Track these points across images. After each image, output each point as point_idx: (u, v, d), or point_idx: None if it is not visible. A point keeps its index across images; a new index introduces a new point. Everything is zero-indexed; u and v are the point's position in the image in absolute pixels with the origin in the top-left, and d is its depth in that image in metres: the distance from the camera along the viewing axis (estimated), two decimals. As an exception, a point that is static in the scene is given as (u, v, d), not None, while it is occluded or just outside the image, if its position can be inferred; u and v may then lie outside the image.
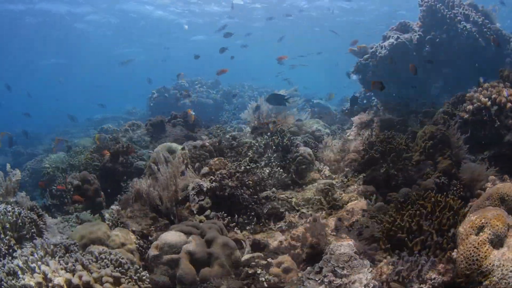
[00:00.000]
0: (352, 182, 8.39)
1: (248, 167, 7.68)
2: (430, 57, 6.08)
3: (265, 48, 38.97)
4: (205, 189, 7.60)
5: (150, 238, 6.44)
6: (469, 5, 6.94)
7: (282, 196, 7.54)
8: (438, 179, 5.87)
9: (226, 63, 18.48)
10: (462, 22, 5.97)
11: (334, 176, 9.28)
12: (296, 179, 8.40)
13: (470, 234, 4.08)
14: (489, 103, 5.32)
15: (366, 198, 6.64)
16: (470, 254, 3.97)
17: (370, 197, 6.52)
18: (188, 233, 5.84)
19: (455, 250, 4.25)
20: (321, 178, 8.79)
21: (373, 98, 8.46)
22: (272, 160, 8.24)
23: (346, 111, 8.91)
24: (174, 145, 13.09)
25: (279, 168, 8.06)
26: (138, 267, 5.14)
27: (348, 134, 8.02)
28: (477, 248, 3.95)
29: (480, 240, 3.95)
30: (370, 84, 6.41)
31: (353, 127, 7.82)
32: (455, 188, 5.68)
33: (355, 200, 7.56)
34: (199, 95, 18.85)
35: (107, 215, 7.23)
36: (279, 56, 13.66)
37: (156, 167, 7.17)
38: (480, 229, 4.06)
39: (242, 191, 7.36)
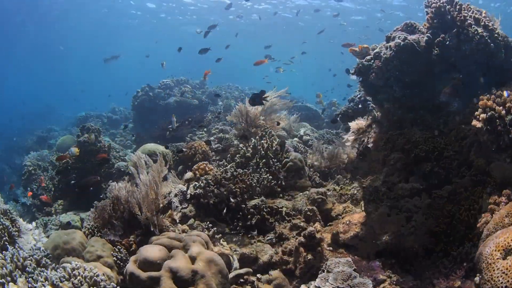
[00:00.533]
0: (345, 191, 7.80)
1: (235, 173, 7.03)
2: (439, 61, 5.47)
3: (254, 49, 38.38)
4: (188, 196, 6.97)
5: (129, 249, 5.80)
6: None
7: (271, 205, 6.89)
8: (475, 177, 5.33)
9: (214, 63, 17.82)
10: (473, 26, 5.37)
11: (324, 183, 8.70)
12: (286, 186, 7.75)
13: (497, 258, 3.48)
14: (503, 111, 4.73)
15: (367, 208, 6.01)
16: (499, 281, 3.38)
17: (376, 205, 5.87)
18: (170, 247, 5.19)
19: (478, 275, 3.66)
20: (311, 185, 8.17)
21: (368, 102, 7.83)
22: (261, 166, 7.60)
23: (340, 116, 8.27)
24: (157, 146, 12.42)
25: (268, 174, 7.40)
26: (115, 285, 4.51)
27: (344, 139, 7.39)
28: (506, 274, 3.36)
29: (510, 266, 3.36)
30: (372, 87, 5.80)
31: (350, 132, 7.19)
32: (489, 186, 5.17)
33: (350, 210, 6.97)
34: (184, 95, 18.10)
35: (85, 223, 6.61)
36: (257, 60, 13.38)
37: (136, 171, 6.49)
38: (508, 252, 3.47)
39: (228, 199, 6.72)
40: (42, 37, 44.48)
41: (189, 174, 7.46)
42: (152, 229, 5.80)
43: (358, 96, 8.33)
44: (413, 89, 5.86)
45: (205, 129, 16.28)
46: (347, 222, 6.27)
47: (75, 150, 10.77)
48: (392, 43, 5.79)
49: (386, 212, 5.71)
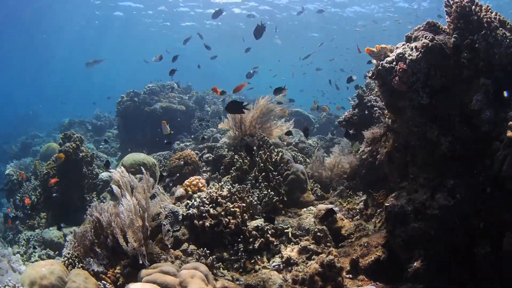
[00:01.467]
0: (353, 205, 6.85)
1: (232, 189, 6.05)
2: (468, 65, 4.56)
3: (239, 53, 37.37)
4: (180, 217, 5.96)
5: (116, 283, 4.87)
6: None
7: (275, 225, 5.92)
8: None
9: (200, 68, 16.80)
10: (500, 29, 4.47)
11: (326, 195, 7.75)
12: (288, 202, 6.79)
13: None
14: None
15: (392, 231, 5.07)
16: None
17: (403, 228, 4.94)
18: (164, 285, 4.22)
19: None
20: (315, 200, 7.22)
21: (375, 109, 6.89)
22: (260, 180, 6.61)
23: (344, 123, 7.31)
24: (143, 156, 11.35)
25: (269, 189, 6.41)
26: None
27: (361, 150, 6.45)
28: None
29: None
30: (393, 92, 4.86)
31: (363, 142, 6.24)
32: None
33: (363, 229, 6.03)
34: (170, 100, 16.97)
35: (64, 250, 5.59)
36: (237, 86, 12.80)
37: (119, 191, 5.48)
38: None
39: (227, 220, 5.73)
40: (28, 39, 42.82)
41: (180, 191, 6.45)
42: (141, 262, 4.79)
43: (364, 101, 7.37)
44: (440, 95, 4.93)
45: (192, 136, 15.25)
46: (365, 245, 5.35)
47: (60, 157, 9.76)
48: (418, 44, 4.86)
49: (416, 235, 4.80)
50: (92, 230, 5.36)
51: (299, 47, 27.70)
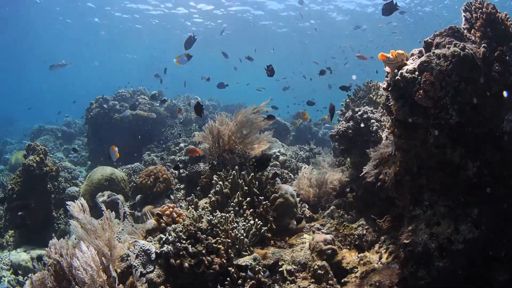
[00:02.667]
0: (349, 230, 5.77)
1: (213, 221, 4.86)
2: (500, 79, 3.53)
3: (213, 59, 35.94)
4: (153, 255, 4.74)
5: None
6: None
7: (267, 262, 4.78)
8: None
9: (171, 71, 15.49)
10: None
11: (315, 216, 6.65)
12: (277, 229, 5.64)
13: None
14: None
15: (414, 273, 4.01)
16: None
17: (427, 269, 3.89)
18: None
19: None
20: (307, 227, 6.10)
21: (373, 121, 5.81)
22: (245, 207, 5.42)
23: (337, 137, 6.18)
24: (110, 170, 10.05)
25: (256, 219, 5.23)
26: None
27: (364, 172, 5.30)
28: None
29: None
30: (415, 108, 3.76)
31: (369, 164, 5.12)
32: None
33: (368, 261, 4.96)
34: (141, 107, 15.55)
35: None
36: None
37: (79, 227, 4.27)
38: None
39: (209, 259, 4.56)
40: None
41: (151, 223, 5.21)
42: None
43: (359, 113, 6.25)
44: (469, 113, 3.86)
45: (163, 146, 13.91)
46: (377, 284, 4.25)
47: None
48: (447, 51, 3.80)
49: (441, 275, 3.80)
50: (52, 276, 4.13)
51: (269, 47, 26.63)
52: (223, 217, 4.99)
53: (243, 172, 5.75)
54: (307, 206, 6.78)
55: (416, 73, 3.91)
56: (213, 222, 4.87)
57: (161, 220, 5.17)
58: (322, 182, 6.92)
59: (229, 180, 5.71)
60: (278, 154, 8.77)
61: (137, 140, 14.30)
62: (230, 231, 4.86)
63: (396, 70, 4.09)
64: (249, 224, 5.11)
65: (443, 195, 4.27)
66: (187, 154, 8.30)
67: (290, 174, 7.81)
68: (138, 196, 8.60)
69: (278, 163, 8.45)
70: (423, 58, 3.91)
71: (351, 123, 6.18)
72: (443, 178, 4.24)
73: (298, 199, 6.70)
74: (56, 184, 10.68)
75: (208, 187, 6.45)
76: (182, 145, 12.34)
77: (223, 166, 6.39)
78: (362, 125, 6.08)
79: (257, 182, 5.77)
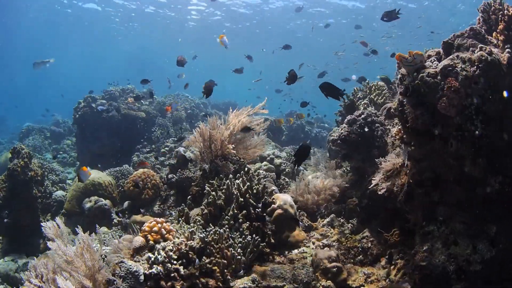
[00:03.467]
0: (353, 242, 5.25)
1: (207, 239, 4.30)
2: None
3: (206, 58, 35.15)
4: (142, 277, 4.17)
5: None
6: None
7: (267, 283, 4.24)
8: None
9: (163, 68, 14.86)
10: None
11: (314, 225, 6.11)
12: (275, 243, 5.09)
13: None
14: None
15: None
16: None
17: None
18: None
19: None
20: (307, 238, 5.56)
21: (377, 125, 5.28)
22: (241, 220, 4.85)
23: (339, 142, 5.63)
24: (98, 174, 9.41)
25: (254, 235, 4.67)
26: None
27: (374, 184, 4.73)
28: None
29: None
30: (438, 116, 3.23)
31: (379, 174, 4.57)
32: None
33: (376, 279, 4.48)
34: (130, 106, 14.85)
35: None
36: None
37: (58, 259, 3.69)
38: None
39: (204, 282, 4.02)
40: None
41: (138, 241, 4.63)
42: None
43: (363, 116, 5.69)
44: (492, 125, 3.35)
45: (153, 146, 13.26)
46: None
47: None
48: (473, 56, 3.29)
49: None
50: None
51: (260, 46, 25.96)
52: (217, 233, 4.43)
53: (237, 181, 5.18)
54: (305, 214, 6.24)
55: (439, 77, 3.37)
56: (206, 240, 4.30)
57: (149, 237, 4.59)
58: (321, 188, 6.37)
59: (223, 191, 5.13)
60: (273, 156, 8.20)
61: (126, 141, 13.65)
62: (226, 250, 4.31)
63: (415, 74, 3.55)
64: (246, 240, 4.55)
65: (459, 210, 3.78)
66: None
67: (286, 179, 7.24)
68: (126, 203, 8.01)
69: (272, 166, 7.88)
70: (446, 62, 3.38)
71: (354, 126, 5.63)
72: (461, 193, 3.74)
73: (295, 207, 6.20)
74: (42, 189, 10.04)
75: (199, 196, 5.90)
76: (172, 145, 11.72)
77: (216, 173, 5.82)
78: (366, 129, 5.54)
79: (253, 192, 5.21)
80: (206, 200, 5.22)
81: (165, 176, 7.79)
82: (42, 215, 9.80)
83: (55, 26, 37.37)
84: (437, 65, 3.58)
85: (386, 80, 7.49)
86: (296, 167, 6.59)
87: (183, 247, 4.23)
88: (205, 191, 5.33)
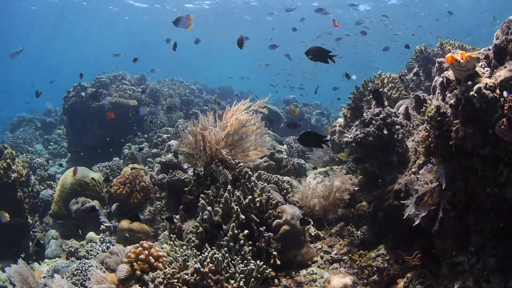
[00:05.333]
0: (367, 259, 4.49)
1: (204, 269, 3.50)
2: None
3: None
4: (126, 316, 3.38)
5: None
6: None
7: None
8: None
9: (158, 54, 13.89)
10: None
11: (321, 234, 5.32)
12: (281, 263, 4.27)
13: None
14: None
15: None
16: None
17: None
18: None
19: None
20: (317, 254, 4.77)
21: (397, 127, 4.44)
22: (242, 241, 4.03)
23: (354, 144, 4.80)
24: (85, 172, 8.55)
25: (258, 261, 3.85)
26: None
27: (408, 213, 3.87)
28: None
29: None
30: (492, 136, 2.42)
31: (413, 199, 3.72)
32: None
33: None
34: (121, 94, 13.84)
35: None
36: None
37: None
38: None
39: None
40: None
41: (123, 270, 3.81)
42: None
43: (381, 116, 4.82)
44: None
45: (145, 136, 12.34)
46: None
47: None
48: None
49: None
50: None
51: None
52: (215, 259, 3.62)
53: (237, 193, 4.34)
54: (311, 222, 5.44)
55: (497, 91, 2.55)
56: (202, 270, 3.49)
57: (135, 266, 3.77)
58: (330, 193, 5.55)
59: (220, 205, 4.30)
60: (273, 151, 7.33)
61: (117, 131, 12.72)
62: (225, 284, 3.50)
63: (469, 82, 2.72)
64: (248, 267, 3.73)
65: (494, 242, 3.01)
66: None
67: (290, 180, 6.36)
68: (114, 206, 7.19)
69: (273, 163, 7.03)
70: (507, 74, 2.54)
71: (372, 128, 4.76)
72: (496, 221, 2.97)
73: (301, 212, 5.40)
74: (28, 190, 9.16)
75: (193, 205, 5.06)
76: (165, 136, 10.81)
77: (211, 179, 4.98)
78: (385, 131, 4.68)
79: (256, 205, 4.38)
80: (201, 215, 4.39)
81: (155, 176, 6.94)
82: (30, 215, 8.98)
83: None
84: (490, 73, 2.77)
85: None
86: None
87: (175, 281, 3.43)
88: (200, 203, 4.49)
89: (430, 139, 3.79)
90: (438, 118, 3.31)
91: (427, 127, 4.01)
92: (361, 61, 30.73)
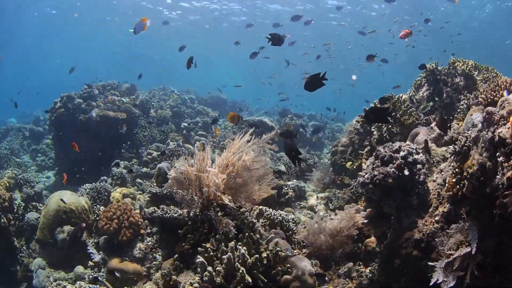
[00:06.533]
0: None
1: None
2: None
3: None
4: None
5: None
6: None
7: None
8: None
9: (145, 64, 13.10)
10: None
11: (328, 276, 4.72)
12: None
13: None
14: None
15: None
16: None
17: None
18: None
19: None
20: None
21: (419, 166, 3.81)
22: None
23: (370, 186, 4.17)
24: (71, 198, 7.80)
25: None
26: None
27: (435, 278, 3.24)
28: None
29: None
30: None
31: (444, 263, 3.11)
32: None
33: None
34: (109, 106, 12.97)
35: None
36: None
37: None
38: None
39: None
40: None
41: None
42: None
43: (402, 154, 4.17)
44: None
45: (135, 151, 11.55)
46: None
47: None
48: None
49: None
50: None
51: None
52: None
53: (242, 251, 3.67)
54: (318, 264, 4.81)
55: None
56: None
57: None
58: (338, 231, 4.92)
59: (223, 265, 3.63)
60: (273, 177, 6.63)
61: (105, 146, 11.90)
62: None
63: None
64: None
65: None
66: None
67: (295, 218, 5.66)
68: (102, 238, 6.47)
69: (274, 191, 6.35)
70: None
71: (392, 168, 4.11)
72: None
73: (305, 250, 4.79)
74: (12, 215, 8.37)
75: (189, 253, 4.38)
76: (155, 154, 10.05)
77: (210, 227, 4.30)
78: (406, 172, 4.04)
79: (263, 262, 3.72)
80: (200, 274, 3.71)
81: (145, 209, 6.23)
82: (16, 239, 8.21)
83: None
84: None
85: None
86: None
87: None
88: (198, 261, 3.80)
89: (459, 187, 3.20)
90: (481, 178, 2.70)
91: (457, 174, 3.41)
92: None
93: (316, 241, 4.93)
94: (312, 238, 4.99)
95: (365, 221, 5.06)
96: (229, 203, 4.20)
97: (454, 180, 3.50)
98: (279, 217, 5.20)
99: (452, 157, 3.62)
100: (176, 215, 5.43)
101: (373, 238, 5.12)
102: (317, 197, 6.86)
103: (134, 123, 12.94)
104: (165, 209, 5.59)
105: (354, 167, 6.42)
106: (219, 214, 4.23)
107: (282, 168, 7.75)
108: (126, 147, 11.92)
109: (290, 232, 5.14)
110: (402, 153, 4.13)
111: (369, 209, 5.21)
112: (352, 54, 24.09)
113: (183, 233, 4.65)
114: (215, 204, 4.36)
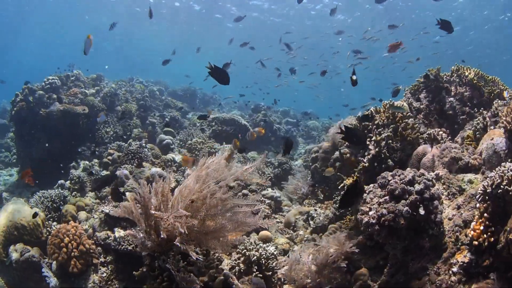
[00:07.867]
0: None
1: None
2: None
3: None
4: None
5: None
6: None
7: None
8: None
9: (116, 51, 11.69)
10: None
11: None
12: None
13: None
14: None
15: None
16: None
17: None
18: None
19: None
20: None
21: (435, 203, 2.81)
22: None
23: (377, 228, 3.18)
24: (24, 212, 6.62)
25: None
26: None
27: None
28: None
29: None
30: None
31: None
32: None
33: None
34: (71, 99, 11.47)
35: None
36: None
37: None
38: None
39: None
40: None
41: None
42: None
43: (417, 188, 3.18)
44: None
45: (96, 150, 10.20)
46: None
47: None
48: None
49: None
50: None
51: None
52: None
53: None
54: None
55: None
56: None
57: None
58: (325, 265, 3.97)
59: None
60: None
61: (67, 143, 10.53)
62: None
63: None
64: None
65: None
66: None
67: (274, 250, 4.58)
68: (54, 264, 5.35)
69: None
70: None
71: (405, 207, 3.09)
72: None
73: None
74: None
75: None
76: (115, 155, 8.77)
77: (170, 279, 3.25)
78: (421, 211, 3.06)
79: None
80: None
81: (98, 234, 5.10)
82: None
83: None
84: None
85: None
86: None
87: None
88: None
89: (486, 236, 2.31)
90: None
91: (486, 220, 2.50)
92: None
93: (300, 280, 3.96)
94: (294, 275, 4.02)
95: (357, 250, 4.14)
96: (195, 256, 3.14)
97: (482, 228, 2.60)
98: (256, 253, 4.16)
99: (479, 197, 2.68)
100: (130, 247, 4.35)
101: (364, 270, 4.21)
102: (296, 211, 5.88)
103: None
104: (118, 238, 4.50)
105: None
106: (181, 263, 3.19)
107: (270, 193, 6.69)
108: (88, 145, 10.61)
109: (271, 273, 4.14)
110: (417, 187, 3.14)
111: (360, 237, 4.28)
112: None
113: (139, 276, 3.60)
114: (175, 250, 3.31)
